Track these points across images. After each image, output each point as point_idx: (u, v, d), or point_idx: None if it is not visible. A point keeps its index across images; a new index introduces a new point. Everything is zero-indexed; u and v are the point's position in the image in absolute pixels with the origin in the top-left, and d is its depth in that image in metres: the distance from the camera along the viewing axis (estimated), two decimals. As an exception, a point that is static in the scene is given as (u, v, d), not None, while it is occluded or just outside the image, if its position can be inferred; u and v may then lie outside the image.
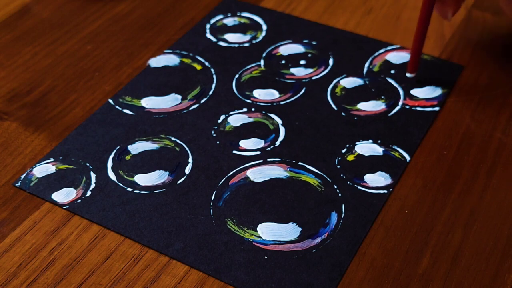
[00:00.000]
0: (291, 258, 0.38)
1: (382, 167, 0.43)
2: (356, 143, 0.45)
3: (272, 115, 0.47)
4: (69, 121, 0.47)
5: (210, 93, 0.49)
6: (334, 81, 0.50)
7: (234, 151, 0.44)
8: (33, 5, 0.58)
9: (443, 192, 0.42)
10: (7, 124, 0.47)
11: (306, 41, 0.54)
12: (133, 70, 0.51)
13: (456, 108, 0.48)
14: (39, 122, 0.47)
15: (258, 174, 0.43)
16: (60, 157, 0.44)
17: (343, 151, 0.44)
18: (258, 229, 0.39)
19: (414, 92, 0.49)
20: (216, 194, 0.41)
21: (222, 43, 0.54)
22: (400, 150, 0.44)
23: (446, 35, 0.54)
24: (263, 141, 0.45)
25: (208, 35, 0.55)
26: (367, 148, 0.44)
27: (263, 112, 0.47)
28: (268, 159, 0.44)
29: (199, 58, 0.52)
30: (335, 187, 0.42)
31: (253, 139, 0.45)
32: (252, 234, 0.39)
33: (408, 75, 0.49)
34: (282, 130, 0.46)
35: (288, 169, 0.43)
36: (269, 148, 0.44)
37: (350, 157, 0.44)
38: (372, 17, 0.57)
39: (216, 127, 0.46)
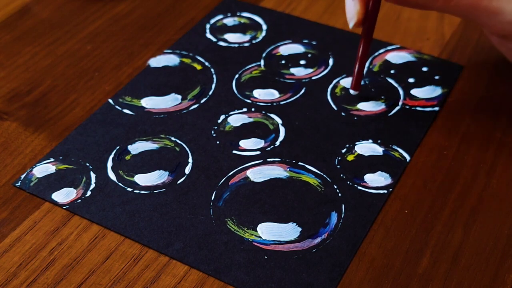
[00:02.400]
0: (291, 258, 0.38)
1: (382, 167, 0.43)
2: (356, 143, 0.45)
3: (272, 115, 0.47)
4: (69, 121, 0.47)
5: (210, 93, 0.49)
6: (334, 81, 0.50)
7: (234, 151, 0.44)
8: (33, 5, 0.58)
9: (443, 192, 0.42)
10: (7, 124, 0.47)
11: (306, 41, 0.54)
12: (133, 70, 0.51)
13: (456, 108, 0.48)
14: (39, 122, 0.47)
15: (258, 174, 0.43)
16: (60, 157, 0.44)
17: (343, 151, 0.44)
18: (258, 229, 0.39)
19: (414, 92, 0.49)
20: (216, 194, 0.41)
21: (222, 43, 0.54)
22: (400, 150, 0.44)
23: (446, 35, 0.54)
24: (263, 141, 0.45)
25: (208, 35, 0.55)
26: (367, 148, 0.44)
27: (263, 112, 0.47)
28: (268, 159, 0.44)
29: (199, 58, 0.52)
30: (335, 187, 0.42)
31: (253, 139, 0.45)
32: (252, 234, 0.39)
33: (352, 92, 0.48)
34: (282, 130, 0.46)
35: (288, 169, 0.43)
36: (269, 148, 0.44)
37: (350, 157, 0.44)
38: (372, 17, 0.57)
39: (216, 127, 0.46)
